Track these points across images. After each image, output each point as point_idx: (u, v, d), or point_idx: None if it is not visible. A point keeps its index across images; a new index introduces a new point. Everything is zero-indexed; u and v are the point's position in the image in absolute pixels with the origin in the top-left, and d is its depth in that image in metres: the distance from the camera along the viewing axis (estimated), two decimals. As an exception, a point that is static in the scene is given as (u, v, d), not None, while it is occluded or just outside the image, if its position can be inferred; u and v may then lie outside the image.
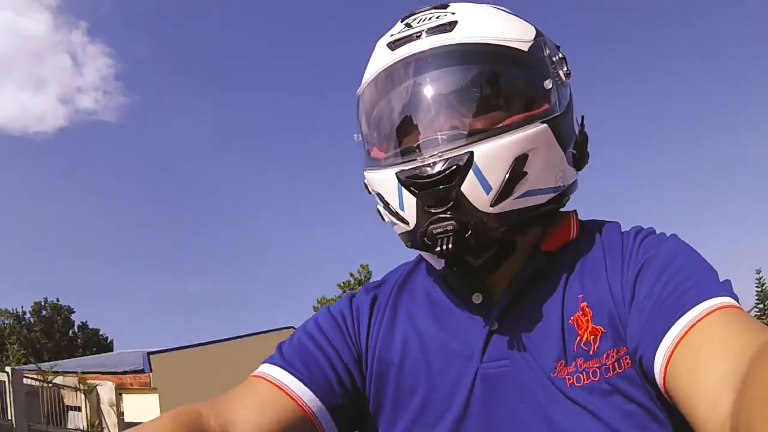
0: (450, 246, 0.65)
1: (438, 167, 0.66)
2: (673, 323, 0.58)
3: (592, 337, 0.67)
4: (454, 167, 0.65)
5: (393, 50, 0.73)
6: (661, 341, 0.58)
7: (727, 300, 0.59)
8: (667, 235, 0.72)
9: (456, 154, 0.66)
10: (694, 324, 0.57)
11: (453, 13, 0.72)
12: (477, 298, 0.74)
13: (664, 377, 0.57)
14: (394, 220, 0.73)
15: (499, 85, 0.71)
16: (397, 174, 0.69)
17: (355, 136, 0.81)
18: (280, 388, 0.70)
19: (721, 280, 0.63)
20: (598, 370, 0.65)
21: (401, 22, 0.76)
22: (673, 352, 0.57)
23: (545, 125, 0.69)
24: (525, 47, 0.71)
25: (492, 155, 0.66)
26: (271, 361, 0.75)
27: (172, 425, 0.63)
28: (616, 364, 0.65)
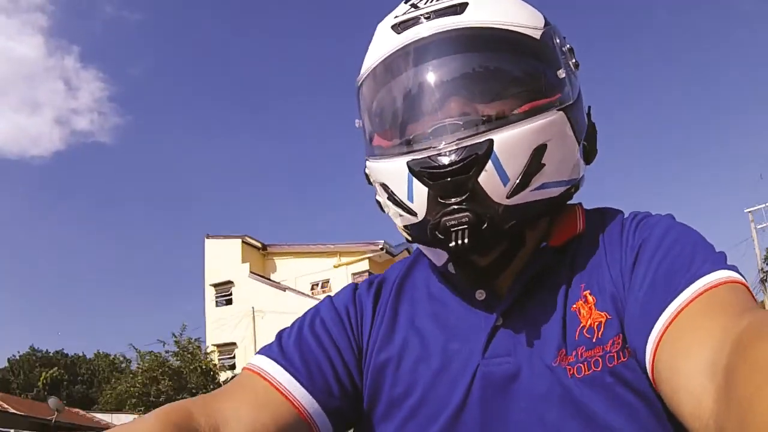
0: (466, 240, 0.61)
1: (454, 156, 0.62)
2: (659, 314, 0.56)
3: (596, 323, 0.64)
4: (473, 156, 0.62)
5: (399, 33, 0.69)
6: (649, 335, 0.56)
7: (718, 276, 0.57)
8: (663, 215, 0.69)
9: (474, 142, 0.62)
10: (678, 313, 0.55)
11: None
12: (480, 295, 0.71)
13: (652, 371, 0.55)
14: (400, 211, 0.68)
15: (513, 71, 0.68)
16: (408, 163, 0.65)
17: (356, 122, 0.77)
18: (276, 388, 0.68)
19: (716, 252, 0.61)
20: (600, 360, 0.62)
21: (405, 2, 0.72)
22: (657, 346, 0.55)
23: (561, 112, 0.67)
24: (537, 35, 0.69)
25: (511, 144, 0.63)
26: (269, 354, 0.72)
27: (159, 423, 0.59)
28: (621, 352, 0.62)
